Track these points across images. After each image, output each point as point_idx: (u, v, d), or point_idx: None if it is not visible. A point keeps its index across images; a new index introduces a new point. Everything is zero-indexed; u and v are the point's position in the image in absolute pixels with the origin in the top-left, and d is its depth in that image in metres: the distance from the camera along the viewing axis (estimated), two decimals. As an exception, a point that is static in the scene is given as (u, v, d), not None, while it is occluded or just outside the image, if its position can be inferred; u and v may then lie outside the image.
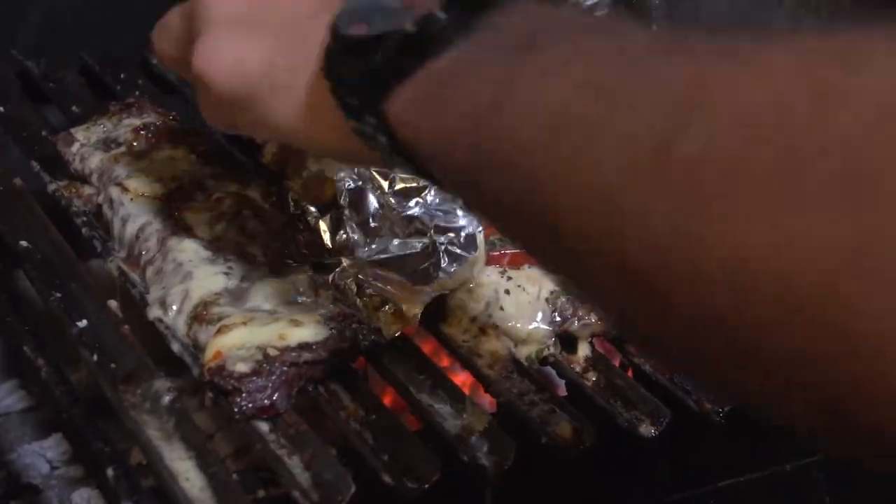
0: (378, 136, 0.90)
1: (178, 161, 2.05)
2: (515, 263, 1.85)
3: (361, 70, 0.86)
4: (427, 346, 1.80)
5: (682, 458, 1.73)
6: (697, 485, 1.83)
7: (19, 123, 2.30)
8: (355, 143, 1.03)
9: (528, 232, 0.75)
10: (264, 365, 1.54)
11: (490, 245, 1.86)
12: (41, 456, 2.71)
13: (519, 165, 0.69)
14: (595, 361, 1.77)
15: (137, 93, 2.52)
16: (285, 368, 1.55)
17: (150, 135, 2.12)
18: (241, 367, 1.53)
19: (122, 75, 2.62)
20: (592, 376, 1.75)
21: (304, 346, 1.58)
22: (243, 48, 1.07)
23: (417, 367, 1.69)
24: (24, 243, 1.84)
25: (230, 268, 1.77)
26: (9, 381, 2.86)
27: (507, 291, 1.80)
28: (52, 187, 2.02)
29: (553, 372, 1.82)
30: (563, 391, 1.79)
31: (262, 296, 1.70)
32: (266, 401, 1.53)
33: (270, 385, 1.53)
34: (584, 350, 1.79)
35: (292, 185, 2.11)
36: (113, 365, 1.59)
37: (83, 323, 1.67)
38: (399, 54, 0.83)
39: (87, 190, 2.03)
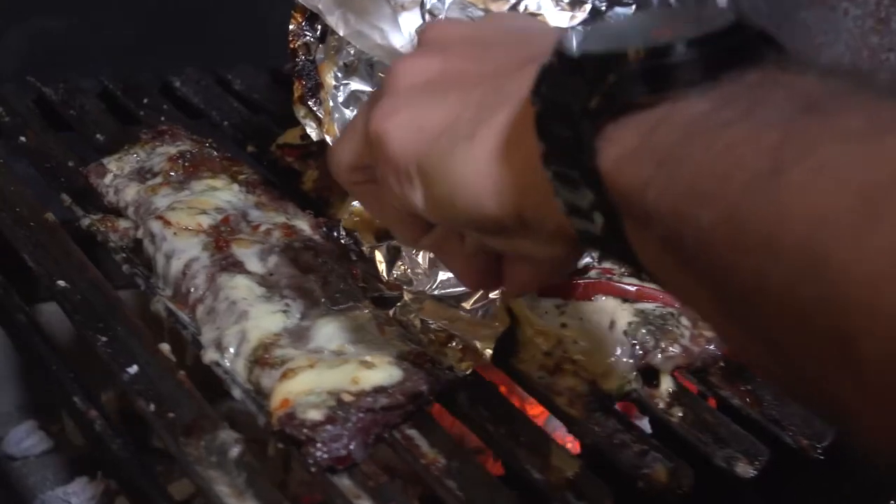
0: (581, 190, 0.76)
1: (219, 191, 1.96)
2: (587, 295, 1.75)
3: (578, 94, 0.73)
4: (499, 383, 1.70)
5: (780, 499, 1.63)
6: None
7: (42, 153, 2.21)
8: (536, 199, 0.84)
9: (795, 331, 0.62)
10: (338, 412, 1.44)
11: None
12: (66, 502, 2.60)
13: (806, 246, 0.58)
14: (679, 396, 1.69)
15: (163, 118, 2.44)
16: (361, 415, 1.45)
17: (186, 163, 2.04)
18: (314, 415, 1.44)
19: (144, 100, 2.53)
20: (678, 412, 1.66)
21: (379, 390, 1.48)
22: (425, 106, 0.94)
23: (494, 408, 1.59)
24: (61, 283, 1.74)
25: (287, 305, 1.68)
26: (26, 421, 2.77)
27: (565, 325, 1.70)
28: (86, 222, 1.92)
29: (634, 408, 1.71)
30: (645, 427, 1.67)
31: (324, 335, 1.61)
32: (342, 451, 1.43)
33: (346, 433, 1.44)
34: (666, 384, 1.70)
35: (340, 214, 2.02)
36: (171, 415, 1.49)
37: (133, 368, 1.57)
38: (626, 80, 0.71)
39: (123, 223, 1.94)
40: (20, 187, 1.99)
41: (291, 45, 2.00)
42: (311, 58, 1.97)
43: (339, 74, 1.92)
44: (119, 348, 1.62)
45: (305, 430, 1.43)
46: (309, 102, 1.96)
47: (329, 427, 1.44)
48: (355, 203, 1.98)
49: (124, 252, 1.87)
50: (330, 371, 1.51)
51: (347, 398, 1.46)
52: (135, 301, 1.85)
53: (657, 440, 1.58)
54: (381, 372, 1.52)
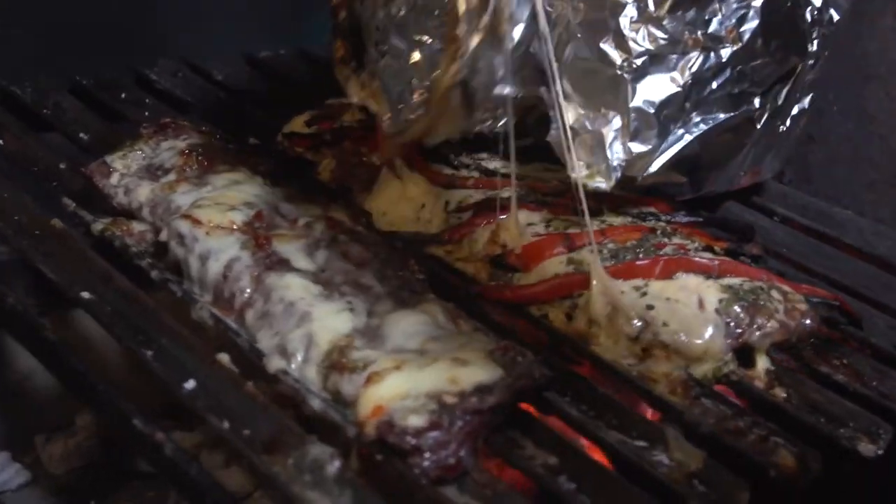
0: None
1: (243, 184, 1.82)
2: (666, 273, 1.64)
3: None
4: (587, 374, 1.58)
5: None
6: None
7: (25, 156, 2.03)
8: None
9: None
10: (443, 416, 1.31)
11: (615, 258, 1.67)
12: (58, 535, 2.41)
13: None
14: (779, 375, 1.58)
15: (147, 113, 2.27)
16: (468, 418, 1.32)
17: (200, 157, 1.87)
18: (415, 421, 1.30)
19: (122, 95, 2.35)
20: (781, 392, 1.55)
21: (483, 389, 1.36)
22: None
23: (592, 402, 1.47)
24: (86, 294, 1.57)
25: (349, 303, 1.55)
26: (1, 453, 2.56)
27: (651, 307, 1.59)
28: (98, 227, 1.76)
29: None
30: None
31: (401, 333, 1.48)
32: (451, 458, 1.31)
33: (454, 439, 1.31)
34: (763, 363, 1.60)
35: (367, 203, 1.90)
36: (247, 431, 1.33)
37: (191, 384, 1.41)
38: None
39: (138, 226, 1.79)
40: (15, 193, 1.80)
41: (333, 2, 1.84)
42: (354, 15, 1.82)
43: (384, 33, 1.75)
44: (170, 362, 1.46)
45: (410, 438, 1.30)
46: (351, 64, 1.82)
47: (434, 433, 1.31)
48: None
49: (149, 257, 1.70)
50: (421, 372, 1.38)
51: (450, 400, 1.33)
52: (174, 309, 1.68)
53: (772, 422, 1.47)
54: (479, 369, 1.39)
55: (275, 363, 1.47)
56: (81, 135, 2.15)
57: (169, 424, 1.84)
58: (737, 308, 1.59)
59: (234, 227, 1.68)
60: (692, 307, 1.59)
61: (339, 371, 1.41)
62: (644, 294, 1.62)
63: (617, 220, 1.78)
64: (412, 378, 1.37)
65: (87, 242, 1.74)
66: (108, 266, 1.65)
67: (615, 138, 1.74)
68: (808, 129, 2.27)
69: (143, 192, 1.81)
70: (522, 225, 1.77)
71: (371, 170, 1.99)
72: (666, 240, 1.73)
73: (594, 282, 1.62)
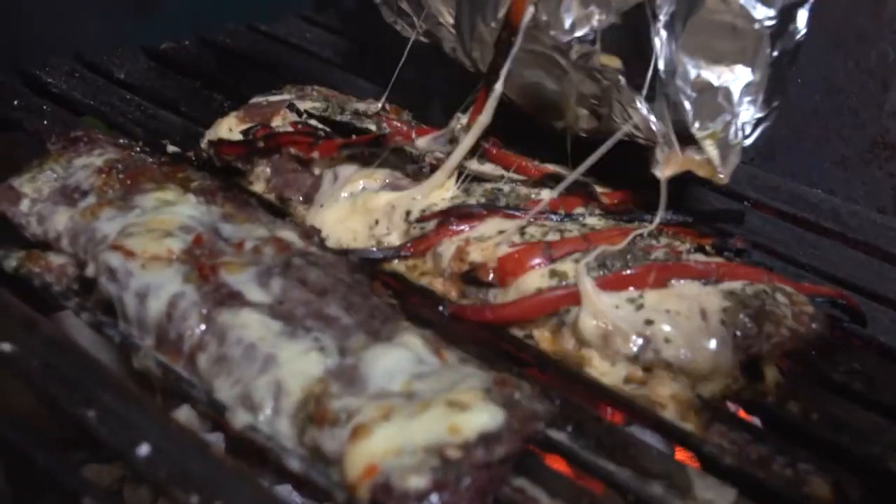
0: None
1: (175, 205, 1.64)
2: (661, 282, 1.52)
3: None
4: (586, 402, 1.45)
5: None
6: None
7: None
8: None
9: None
10: (448, 473, 1.17)
11: (602, 267, 1.54)
12: None
13: None
14: (791, 387, 1.48)
15: (45, 121, 2.07)
16: (476, 473, 1.18)
17: (120, 175, 1.69)
18: (416, 482, 1.16)
19: (14, 102, 2.15)
20: (795, 407, 1.45)
21: (489, 438, 1.22)
22: None
23: (599, 438, 1.35)
24: (6, 347, 1.39)
25: (317, 339, 1.39)
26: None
27: (650, 321, 1.46)
28: (10, 263, 1.58)
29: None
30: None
31: (380, 372, 1.33)
32: (462, 522, 1.16)
33: (463, 499, 1.17)
34: (772, 374, 1.50)
35: (310, 218, 1.74)
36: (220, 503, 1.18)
37: (144, 449, 1.25)
38: None
39: (57, 259, 1.60)
40: None
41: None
42: None
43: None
44: (117, 423, 1.29)
45: (413, 503, 1.15)
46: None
47: (440, 494, 1.16)
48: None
49: (73, 296, 1.52)
50: (414, 421, 1.23)
51: (454, 454, 1.19)
52: (112, 357, 1.51)
53: (797, 445, 1.36)
54: (480, 413, 1.25)
55: (240, 418, 1.32)
56: (-26, 152, 1.93)
57: (83, 457, 1.67)
58: (743, 317, 1.48)
59: (173, 256, 1.51)
60: (695, 319, 1.48)
61: (317, 424, 1.26)
62: (640, 307, 1.49)
63: (599, 223, 1.65)
64: (405, 429, 1.22)
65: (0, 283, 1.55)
66: (30, 310, 1.46)
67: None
68: (770, 104, 2.17)
69: (61, 219, 1.62)
70: (493, 235, 1.63)
71: (313, 179, 1.83)
72: (654, 242, 1.60)
73: (583, 301, 1.49)
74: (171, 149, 2.01)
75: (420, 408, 1.25)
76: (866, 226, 1.95)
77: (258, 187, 1.89)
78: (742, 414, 1.49)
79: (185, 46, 2.56)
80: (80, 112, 2.18)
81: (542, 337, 1.55)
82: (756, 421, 1.48)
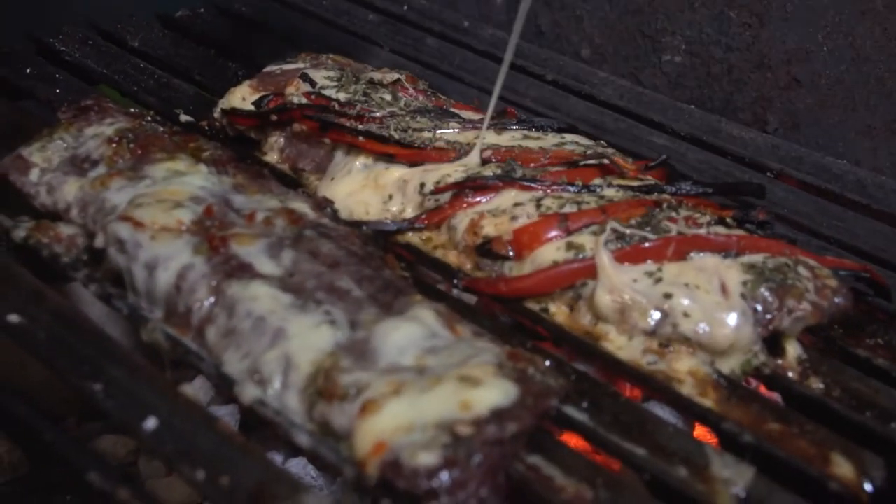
0: None
1: (186, 175, 1.62)
2: (680, 254, 1.49)
3: None
4: (602, 377, 1.43)
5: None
6: None
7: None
8: None
9: None
10: (458, 450, 1.15)
11: (621, 240, 1.51)
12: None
13: None
14: (813, 363, 1.45)
15: (58, 90, 2.05)
16: (488, 450, 1.16)
17: (131, 144, 1.67)
18: (427, 459, 1.14)
19: (27, 70, 2.12)
20: (818, 383, 1.42)
21: (501, 414, 1.20)
22: None
23: (617, 414, 1.33)
24: (14, 318, 1.37)
25: (328, 313, 1.37)
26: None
27: (669, 295, 1.44)
28: (19, 233, 1.56)
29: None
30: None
31: (392, 347, 1.31)
32: (473, 500, 1.15)
33: (474, 477, 1.15)
34: (794, 350, 1.47)
35: (323, 189, 1.72)
36: (225, 479, 1.16)
37: (151, 422, 1.23)
38: None
39: (67, 230, 1.59)
40: None
41: None
42: None
43: None
44: (125, 397, 1.27)
45: (423, 481, 1.13)
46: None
47: (451, 472, 1.14)
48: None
49: (86, 268, 1.51)
50: (425, 396, 1.22)
51: (464, 430, 1.17)
52: (121, 330, 1.49)
53: (818, 423, 1.33)
54: (492, 388, 1.23)
55: (249, 392, 1.30)
56: (-14, 121, 1.92)
57: (97, 429, 1.65)
58: (764, 290, 1.45)
59: (183, 227, 1.49)
60: (714, 293, 1.45)
61: (326, 399, 1.24)
62: (659, 280, 1.47)
63: (617, 195, 1.62)
64: (415, 404, 1.21)
65: (9, 254, 1.53)
66: (38, 282, 1.45)
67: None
68: (795, 73, 2.13)
69: (70, 189, 1.61)
70: (508, 207, 1.60)
71: (326, 150, 1.80)
72: (674, 214, 1.57)
73: (600, 275, 1.46)
74: (184, 118, 1.99)
75: (431, 383, 1.23)
76: (892, 197, 1.91)
77: (272, 157, 1.87)
78: (763, 390, 1.46)
79: (200, 14, 2.53)
80: (94, 81, 2.15)
81: (559, 311, 1.53)
82: (777, 397, 1.46)
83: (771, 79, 2.15)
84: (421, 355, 1.30)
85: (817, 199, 1.91)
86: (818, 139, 2.11)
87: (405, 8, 2.61)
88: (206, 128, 1.95)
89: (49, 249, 1.54)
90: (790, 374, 1.45)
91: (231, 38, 2.44)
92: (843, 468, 1.27)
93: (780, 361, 1.46)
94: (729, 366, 1.43)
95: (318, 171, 1.82)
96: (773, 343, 1.48)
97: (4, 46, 2.21)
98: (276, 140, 1.87)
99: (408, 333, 1.33)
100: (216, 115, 1.94)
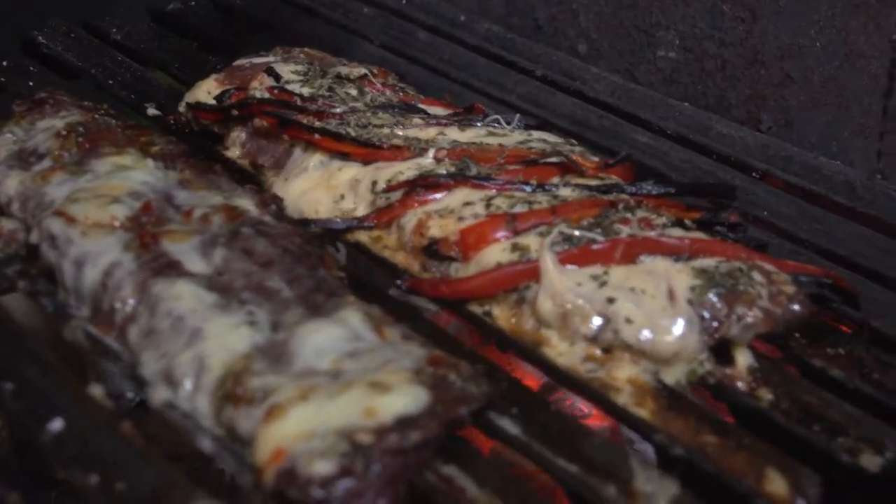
0: None
1: (130, 170, 1.60)
2: (629, 257, 1.43)
3: None
4: (534, 383, 1.38)
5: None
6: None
7: None
8: None
9: None
10: (356, 459, 1.10)
11: (568, 241, 1.46)
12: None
13: None
14: (764, 373, 1.39)
15: (32, 83, 2.03)
16: (388, 459, 1.11)
17: (80, 138, 1.65)
18: (323, 467, 1.10)
19: (4, 62, 2.11)
20: (767, 394, 1.36)
21: (406, 422, 1.16)
22: None
23: (544, 422, 1.27)
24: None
25: (251, 313, 1.33)
26: None
27: (612, 300, 1.38)
28: (-42, 228, 1.52)
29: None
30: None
31: (311, 350, 1.27)
32: (369, 512, 1.09)
33: (371, 487, 1.11)
34: (745, 359, 1.40)
35: (280, 188, 1.68)
36: (121, 485, 1.13)
37: (57, 424, 1.20)
38: None
39: (8, 224, 1.57)
40: None
41: None
42: None
43: None
44: (34, 398, 1.25)
45: (316, 490, 1.09)
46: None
47: (346, 482, 1.10)
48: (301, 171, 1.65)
49: (19, 263, 1.48)
50: (332, 402, 1.18)
51: (365, 438, 1.13)
52: (44, 329, 1.46)
53: (757, 436, 1.27)
54: (402, 395, 1.18)
55: (159, 394, 1.27)
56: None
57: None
58: (712, 296, 1.39)
59: (116, 223, 1.47)
60: (661, 298, 1.39)
61: (234, 403, 1.21)
62: (604, 284, 1.41)
63: (572, 194, 1.56)
64: (321, 411, 1.17)
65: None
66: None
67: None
68: (788, 69, 2.06)
69: (12, 183, 1.59)
70: (457, 207, 1.55)
71: (286, 146, 1.76)
72: (629, 215, 1.52)
73: (542, 279, 1.41)
74: (151, 112, 1.97)
75: (341, 388, 1.19)
76: (881, 200, 1.83)
77: (233, 153, 1.84)
78: (710, 400, 1.39)
79: (191, 7, 2.50)
80: (70, 74, 2.14)
81: (502, 314, 1.48)
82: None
83: (764, 75, 2.07)
84: (339, 359, 1.26)
85: (799, 201, 1.83)
86: (812, 138, 2.03)
87: (403, 1, 2.57)
88: (172, 122, 1.92)
89: (-15, 245, 1.52)
90: (739, 385, 1.38)
91: (219, 31, 2.41)
92: (776, 484, 1.21)
93: (729, 371, 1.39)
94: (674, 375, 1.37)
95: (277, 168, 1.78)
96: (723, 351, 1.41)
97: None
98: (238, 135, 1.84)
99: (329, 336, 1.29)
100: (181, 108, 1.91)
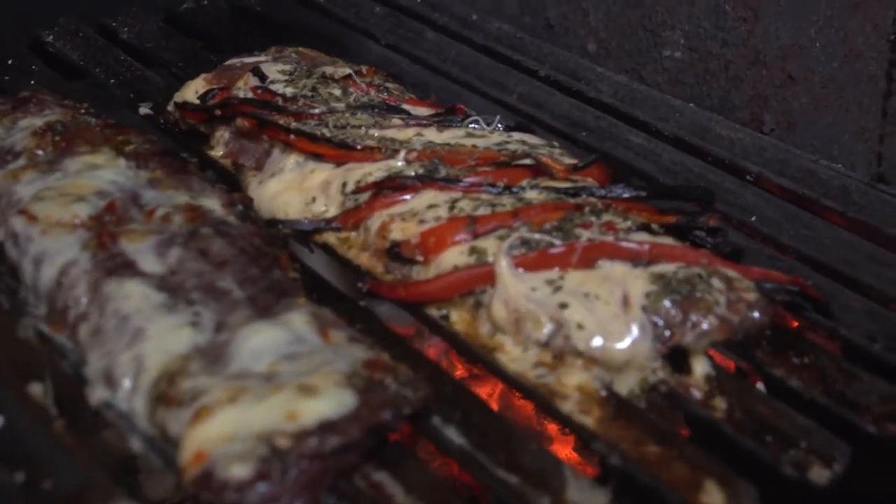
0: None
1: (101, 169, 1.60)
2: (587, 262, 1.40)
3: None
4: (485, 389, 1.36)
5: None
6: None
7: None
8: None
9: None
10: (273, 462, 1.10)
11: (524, 246, 1.44)
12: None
13: None
14: (720, 382, 1.35)
15: (33, 82, 2.05)
16: (305, 464, 1.11)
17: (57, 137, 1.66)
18: (239, 471, 1.10)
19: (9, 61, 2.14)
20: (721, 403, 1.32)
21: (326, 427, 1.15)
22: None
23: (482, 428, 1.26)
24: None
25: (197, 314, 1.33)
26: None
27: (565, 305, 1.35)
28: (-68, 227, 1.54)
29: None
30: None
31: (248, 352, 1.27)
32: (285, 516, 1.09)
33: (287, 492, 1.10)
34: (701, 367, 1.37)
35: (260, 189, 1.68)
36: (48, 483, 1.13)
37: (-1, 422, 1.21)
38: None
39: (-19, 222, 1.57)
40: None
41: None
42: None
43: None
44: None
45: (230, 494, 1.08)
46: None
47: (262, 485, 1.09)
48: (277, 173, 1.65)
49: (-9, 261, 1.50)
50: (258, 405, 1.17)
51: (283, 443, 1.12)
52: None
53: (703, 447, 1.24)
54: (327, 399, 1.17)
55: (97, 393, 1.27)
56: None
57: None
58: (666, 303, 1.36)
59: (77, 221, 1.48)
60: (614, 304, 1.37)
61: (166, 404, 1.21)
62: (558, 289, 1.39)
63: (538, 197, 1.54)
64: (245, 413, 1.16)
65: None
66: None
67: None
68: (789, 69, 2.01)
69: (-14, 181, 1.60)
70: (421, 210, 1.54)
71: (266, 146, 1.76)
72: (593, 219, 1.49)
73: (497, 283, 1.39)
74: (143, 111, 1.98)
75: (271, 391, 1.19)
76: (875, 206, 1.78)
77: (217, 152, 1.85)
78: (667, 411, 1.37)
79: (205, 7, 2.51)
80: (72, 73, 2.16)
81: (460, 318, 1.46)
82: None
83: (766, 76, 2.03)
84: (276, 361, 1.25)
85: (789, 206, 1.79)
86: (814, 141, 1.98)
87: (418, 0, 2.56)
88: (162, 121, 1.93)
89: (-46, 243, 1.53)
90: (695, 393, 1.35)
91: (227, 31, 2.42)
92: (713, 497, 1.18)
93: (685, 379, 1.36)
94: (627, 383, 1.35)
95: (257, 168, 1.78)
96: (682, 358, 1.38)
97: (4, 38, 2.23)
98: (222, 135, 1.84)
99: (268, 338, 1.29)
100: (170, 108, 1.92)
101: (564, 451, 1.45)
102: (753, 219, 1.75)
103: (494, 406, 1.44)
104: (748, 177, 1.87)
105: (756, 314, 1.39)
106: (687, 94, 2.20)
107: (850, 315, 1.52)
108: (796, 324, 1.46)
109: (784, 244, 1.68)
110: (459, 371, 1.60)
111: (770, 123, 2.07)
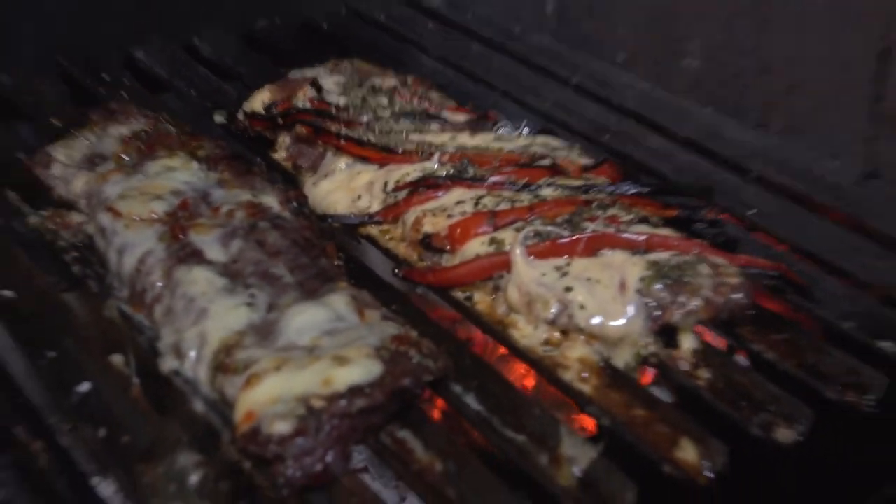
0: None
1: (176, 171, 1.73)
2: (591, 251, 1.51)
3: None
4: (500, 363, 1.47)
5: (829, 464, 1.39)
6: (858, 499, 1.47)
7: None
8: None
9: None
10: (309, 421, 1.22)
11: (537, 237, 1.54)
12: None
13: None
14: (706, 356, 1.45)
15: (124, 93, 2.19)
16: (336, 422, 1.23)
17: (141, 144, 1.79)
18: (281, 428, 1.22)
19: (104, 76, 2.28)
20: (705, 374, 1.42)
21: (355, 391, 1.26)
22: None
23: (494, 395, 1.37)
24: (7, 293, 1.52)
25: (252, 296, 1.46)
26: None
27: (570, 288, 1.46)
28: (33, 220, 1.70)
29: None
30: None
31: (295, 328, 1.39)
32: (318, 465, 1.22)
33: (320, 445, 1.22)
34: (689, 343, 1.47)
35: (314, 188, 1.80)
36: (126, 438, 1.27)
37: (85, 387, 1.35)
38: None
39: (76, 218, 1.72)
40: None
41: None
42: None
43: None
44: (68, 364, 1.40)
45: (273, 447, 1.21)
46: None
47: (299, 440, 1.22)
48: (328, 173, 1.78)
49: (77, 251, 1.64)
50: (299, 373, 1.29)
51: (318, 404, 1.24)
52: (88, 307, 1.61)
53: (684, 411, 1.34)
54: (357, 368, 1.29)
55: (168, 363, 1.40)
56: (54, 121, 2.08)
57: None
58: (658, 286, 1.46)
59: (155, 217, 1.60)
60: (612, 288, 1.47)
61: (223, 372, 1.33)
62: (565, 274, 1.50)
63: (553, 193, 1.65)
64: (288, 380, 1.28)
65: (20, 237, 1.68)
66: (31, 264, 1.59)
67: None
68: (795, 78, 2.09)
69: (80, 182, 1.74)
70: (450, 205, 1.66)
71: (320, 150, 1.89)
72: (600, 213, 1.59)
73: (512, 269, 1.51)
74: (217, 119, 2.11)
75: (311, 361, 1.30)
76: (863, 202, 1.85)
77: (280, 155, 1.97)
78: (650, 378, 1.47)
79: (277, 26, 2.63)
80: (158, 87, 2.29)
81: (482, 299, 1.57)
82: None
83: (774, 83, 2.11)
84: (318, 336, 1.37)
85: (786, 201, 1.88)
86: (815, 143, 2.06)
87: (469, 16, 2.67)
88: (233, 128, 2.07)
89: (53, 234, 1.68)
90: (683, 365, 1.45)
91: (298, 47, 2.53)
92: (687, 452, 1.28)
93: (674, 353, 1.47)
94: (622, 356, 1.45)
95: (313, 169, 1.90)
96: (672, 335, 1.48)
97: (96, 57, 2.36)
98: (284, 140, 1.97)
99: (312, 316, 1.41)
100: (240, 116, 2.05)
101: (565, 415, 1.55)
102: (753, 213, 1.83)
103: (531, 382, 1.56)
104: (751, 174, 1.96)
105: (739, 296, 1.48)
106: (705, 99, 2.28)
107: (831, 298, 1.61)
108: (778, 305, 1.56)
109: (778, 235, 1.77)
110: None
111: (776, 129, 2.15)
